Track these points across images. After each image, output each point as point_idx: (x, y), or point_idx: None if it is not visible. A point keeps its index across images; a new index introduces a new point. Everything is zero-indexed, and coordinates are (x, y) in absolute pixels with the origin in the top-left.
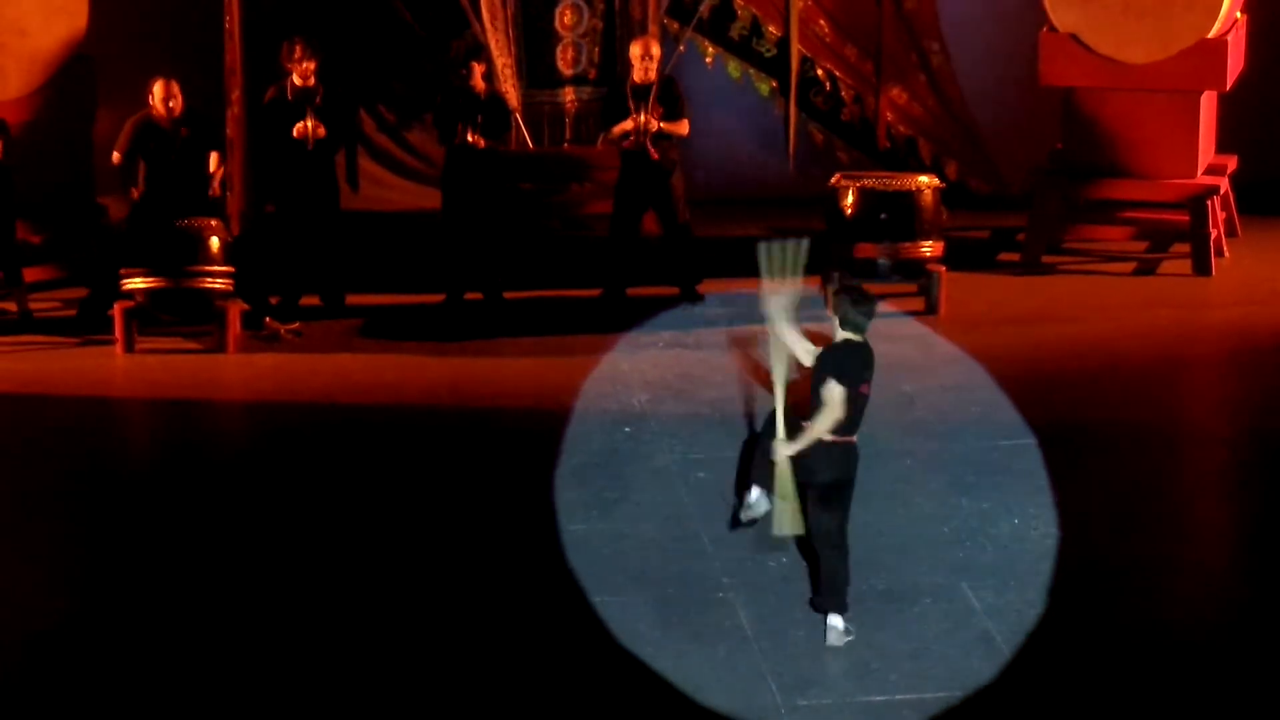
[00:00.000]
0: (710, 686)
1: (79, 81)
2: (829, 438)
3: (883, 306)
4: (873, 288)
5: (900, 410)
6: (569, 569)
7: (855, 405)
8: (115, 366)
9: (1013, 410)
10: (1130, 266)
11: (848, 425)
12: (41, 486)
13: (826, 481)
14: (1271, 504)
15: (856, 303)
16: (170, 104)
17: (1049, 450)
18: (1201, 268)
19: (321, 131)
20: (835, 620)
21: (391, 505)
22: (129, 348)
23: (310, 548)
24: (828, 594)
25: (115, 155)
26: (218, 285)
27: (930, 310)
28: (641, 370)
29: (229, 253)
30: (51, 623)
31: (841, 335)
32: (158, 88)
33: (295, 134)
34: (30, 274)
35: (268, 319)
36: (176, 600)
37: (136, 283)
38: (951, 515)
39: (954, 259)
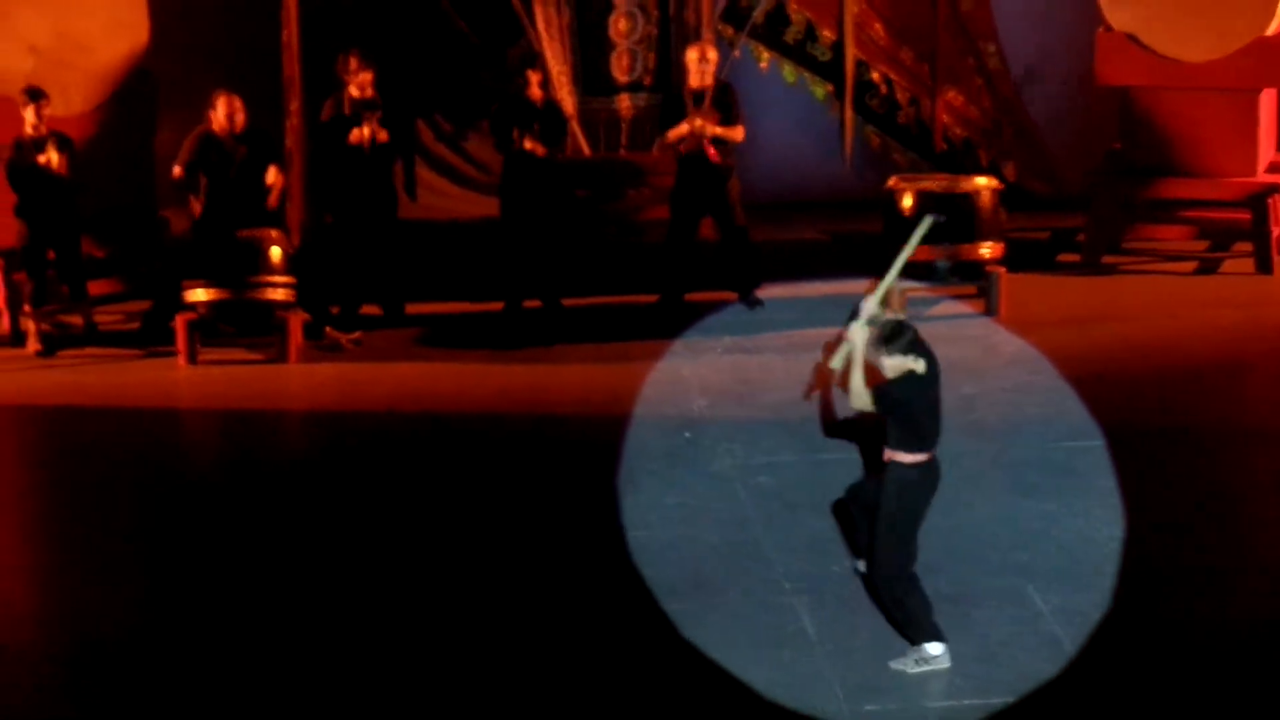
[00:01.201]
0: (775, 692)
1: (141, 97)
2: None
3: (944, 308)
4: (933, 290)
5: (962, 412)
6: (631, 575)
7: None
8: (178, 378)
9: (1075, 411)
10: (1191, 266)
11: (932, 440)
12: (106, 498)
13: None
14: None
15: (890, 338)
16: (234, 119)
17: (1112, 451)
18: (1263, 266)
19: (382, 136)
20: (931, 648)
21: (453, 513)
22: (191, 359)
23: (373, 557)
24: (907, 628)
25: (176, 169)
26: (279, 296)
27: (990, 311)
28: (701, 375)
29: (290, 263)
30: (118, 633)
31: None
32: (220, 103)
33: (352, 140)
34: (94, 288)
35: (328, 329)
36: (240, 610)
37: (198, 294)
38: (1015, 518)
39: (1013, 260)
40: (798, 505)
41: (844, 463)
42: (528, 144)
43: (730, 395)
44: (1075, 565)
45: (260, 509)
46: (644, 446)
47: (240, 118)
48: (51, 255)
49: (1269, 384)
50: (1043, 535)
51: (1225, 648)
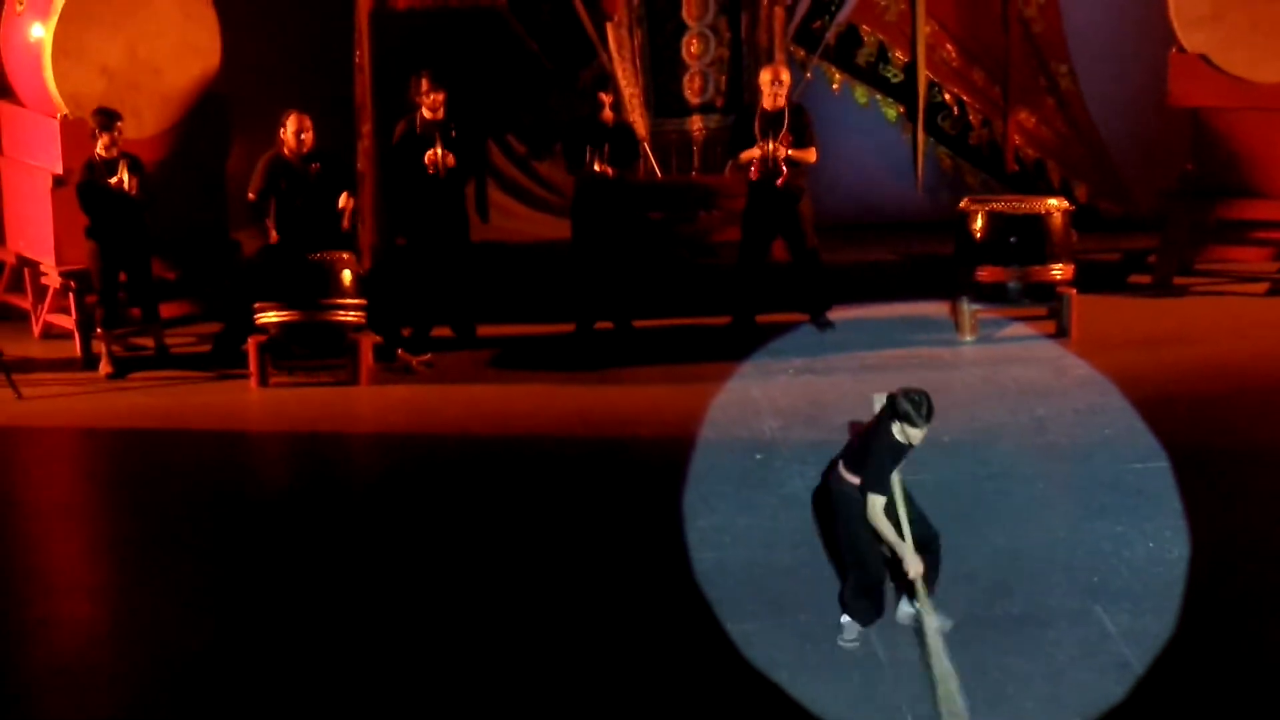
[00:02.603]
0: (845, 715)
1: (213, 119)
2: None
3: (1015, 329)
4: (1004, 311)
5: (1033, 433)
6: (702, 596)
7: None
8: (250, 400)
9: (1146, 432)
10: (1263, 287)
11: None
12: (179, 519)
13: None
14: None
15: (915, 406)
16: (302, 137)
17: (1182, 472)
18: None
19: (451, 160)
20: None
21: (525, 535)
22: (263, 381)
23: (444, 579)
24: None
25: (250, 195)
26: (350, 318)
27: (1061, 333)
28: (772, 397)
29: (361, 285)
30: (190, 654)
31: (894, 431)
32: (290, 121)
33: (425, 161)
34: (165, 310)
35: (400, 351)
36: (311, 633)
37: (270, 317)
38: (1085, 538)
39: (1084, 281)
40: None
41: (913, 485)
42: (598, 166)
43: (801, 416)
44: (1144, 587)
45: (331, 531)
46: (715, 468)
47: (309, 136)
48: (123, 277)
49: None
50: (1112, 556)
51: None
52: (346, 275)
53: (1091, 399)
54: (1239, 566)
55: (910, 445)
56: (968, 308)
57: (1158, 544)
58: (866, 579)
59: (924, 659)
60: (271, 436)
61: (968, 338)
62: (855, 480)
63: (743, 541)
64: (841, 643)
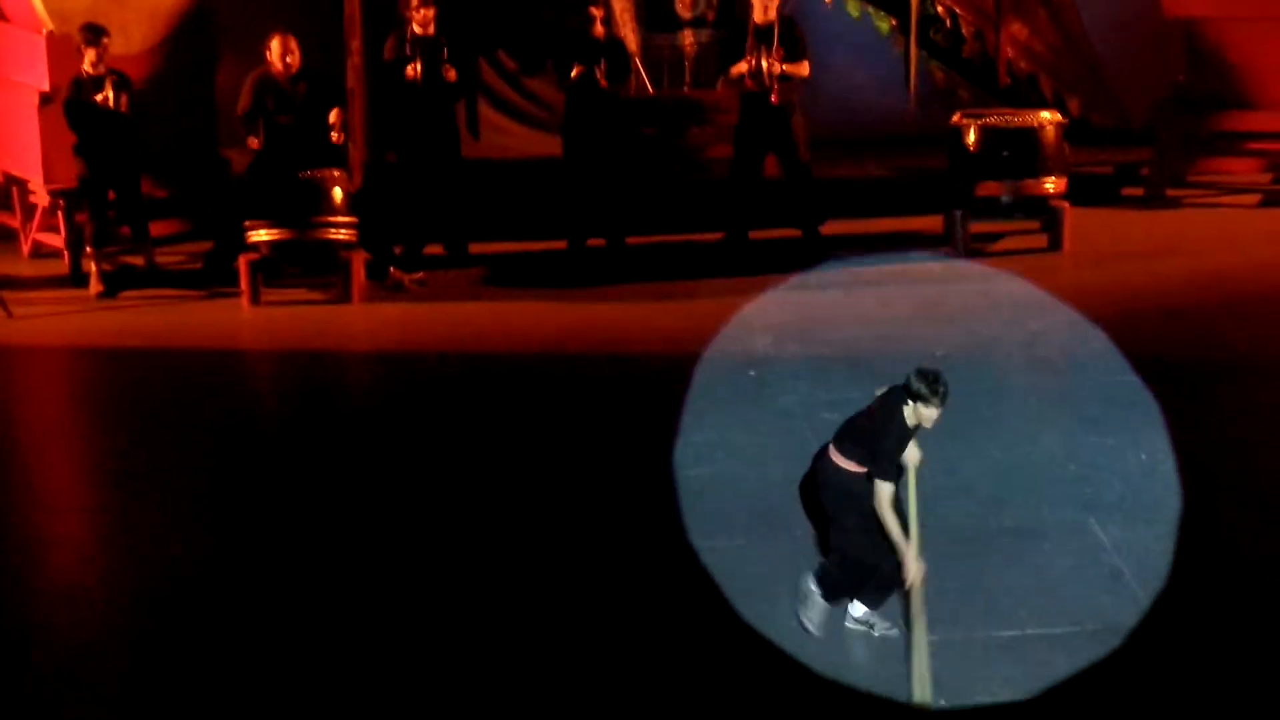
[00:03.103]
0: (838, 622)
1: (200, 35)
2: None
3: (1007, 243)
4: (997, 225)
5: (1025, 347)
6: (694, 511)
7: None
8: (241, 319)
9: (1139, 345)
10: (1255, 199)
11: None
12: (171, 439)
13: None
14: None
15: (931, 384)
16: (287, 60)
17: (1175, 384)
18: None
19: (452, 75)
20: (816, 597)
21: (519, 452)
22: (254, 300)
23: (439, 497)
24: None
25: (238, 113)
26: (341, 236)
27: (1054, 246)
28: (765, 312)
29: (352, 203)
30: (183, 575)
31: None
32: (275, 44)
33: (407, 76)
34: (155, 228)
35: (392, 269)
36: (306, 552)
37: (261, 235)
38: (1078, 451)
39: (1077, 194)
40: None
41: None
42: (591, 73)
43: (794, 332)
44: (1138, 498)
45: (325, 449)
46: (709, 384)
47: (294, 59)
48: (112, 195)
49: None
50: (1106, 468)
51: None
52: (337, 193)
53: (1084, 312)
54: (1232, 476)
55: (917, 427)
56: (961, 222)
57: (1151, 456)
58: (860, 569)
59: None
60: (263, 355)
61: (961, 252)
62: (850, 467)
63: (736, 457)
64: (802, 617)
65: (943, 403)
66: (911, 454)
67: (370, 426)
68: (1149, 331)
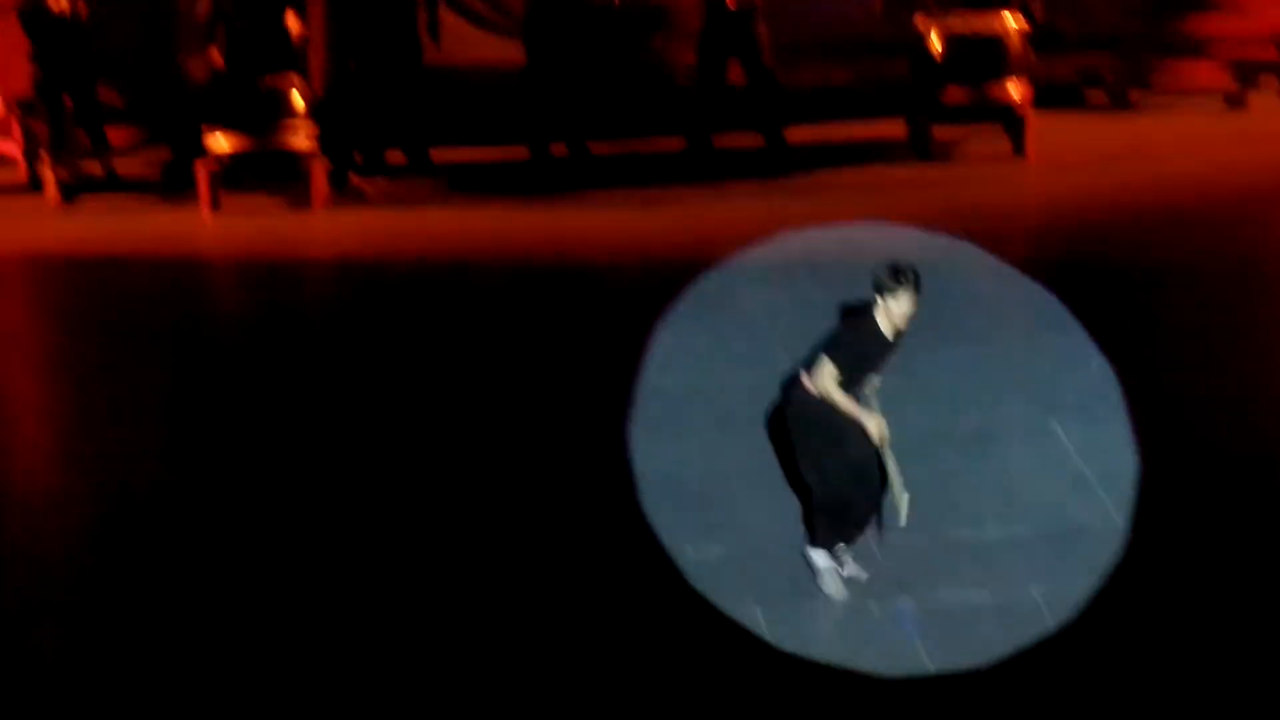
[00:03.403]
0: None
1: None
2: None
3: (970, 148)
4: (961, 130)
5: (990, 252)
6: (658, 415)
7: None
8: (201, 226)
9: (1101, 249)
10: (1218, 102)
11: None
12: (130, 347)
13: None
14: None
15: (891, 270)
16: None
17: (1139, 288)
18: None
19: None
20: (813, 553)
21: (484, 360)
22: (214, 207)
23: (403, 405)
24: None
25: (197, 17)
26: (302, 143)
27: (1017, 151)
28: (728, 219)
29: (312, 110)
30: (143, 482)
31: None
32: None
33: None
34: (113, 135)
35: (353, 176)
36: (267, 458)
37: (220, 142)
38: (1041, 354)
39: (1040, 100)
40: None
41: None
42: None
43: (758, 238)
44: (1100, 401)
45: (285, 358)
46: (672, 290)
47: None
48: (68, 102)
49: None
50: (1069, 371)
51: (1249, 478)
52: (297, 100)
53: (1047, 217)
54: (1193, 379)
55: (896, 335)
56: (924, 127)
57: (1114, 357)
58: (833, 501)
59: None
60: (224, 263)
61: (924, 157)
62: (809, 385)
63: (699, 359)
64: (827, 590)
65: (914, 288)
66: (875, 426)
67: (332, 334)
68: (1111, 236)
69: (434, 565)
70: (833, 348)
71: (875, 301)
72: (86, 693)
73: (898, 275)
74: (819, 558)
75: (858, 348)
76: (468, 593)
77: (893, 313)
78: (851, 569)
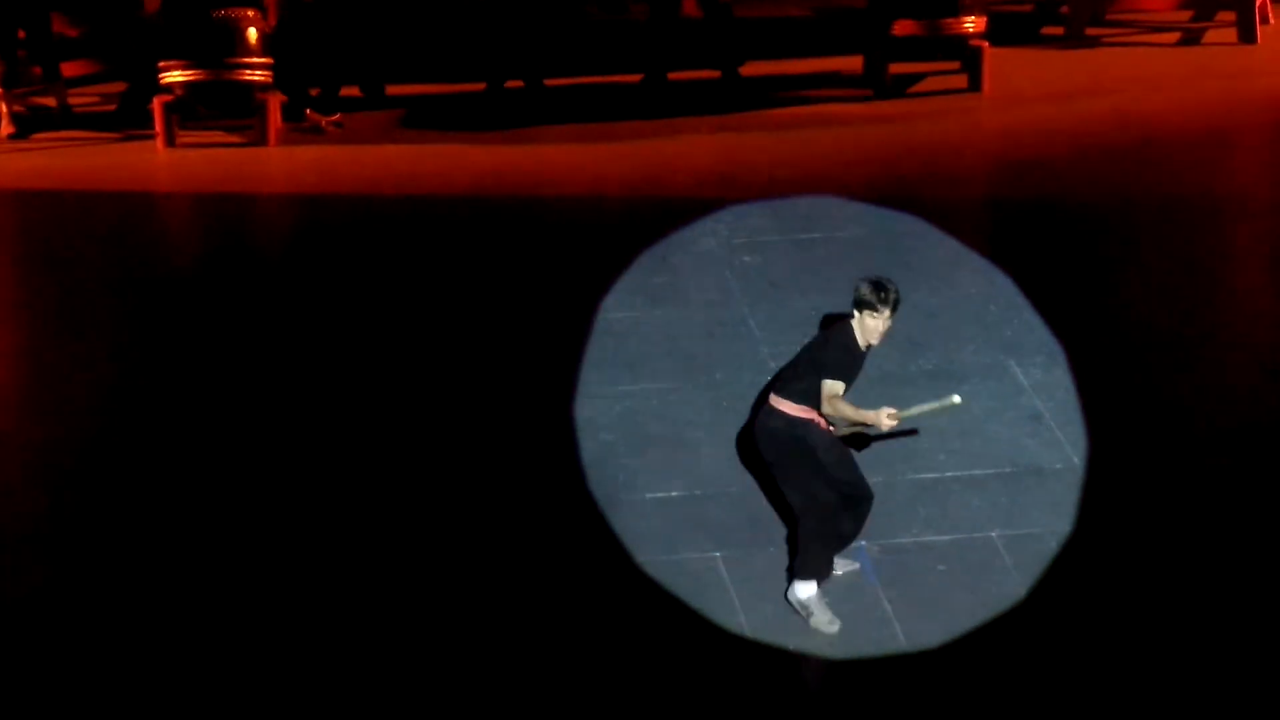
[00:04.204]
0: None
1: None
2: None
3: (926, 84)
4: (917, 66)
5: (947, 188)
6: (615, 356)
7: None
8: (156, 161)
9: (1057, 186)
10: (1174, 37)
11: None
12: (87, 284)
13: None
14: None
15: (875, 287)
16: None
17: (1096, 225)
18: (1246, 36)
19: None
20: (798, 588)
21: (439, 295)
22: (170, 142)
23: (359, 340)
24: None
25: None
26: (257, 77)
27: (974, 87)
28: (685, 155)
29: (267, 44)
30: (97, 419)
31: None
32: None
33: None
34: (67, 69)
35: (308, 110)
36: (222, 392)
37: (175, 76)
38: (997, 293)
39: (997, 34)
40: (782, 284)
41: (828, 241)
42: None
43: (715, 175)
44: (1056, 340)
45: (241, 292)
46: (628, 227)
47: None
48: (21, 34)
49: (1251, 156)
50: (1025, 310)
51: (1206, 415)
52: (252, 33)
53: (1004, 153)
54: (1152, 317)
55: (868, 347)
56: (881, 63)
57: (1071, 294)
58: (825, 528)
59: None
60: (180, 198)
61: (880, 93)
62: (792, 410)
63: (658, 301)
64: (817, 627)
65: (893, 311)
66: (884, 419)
67: (287, 269)
68: (1070, 172)
69: (382, 497)
70: (829, 368)
71: (853, 315)
72: (45, 635)
73: (882, 296)
74: (804, 591)
75: (846, 361)
76: (415, 533)
77: (868, 328)
78: (841, 565)
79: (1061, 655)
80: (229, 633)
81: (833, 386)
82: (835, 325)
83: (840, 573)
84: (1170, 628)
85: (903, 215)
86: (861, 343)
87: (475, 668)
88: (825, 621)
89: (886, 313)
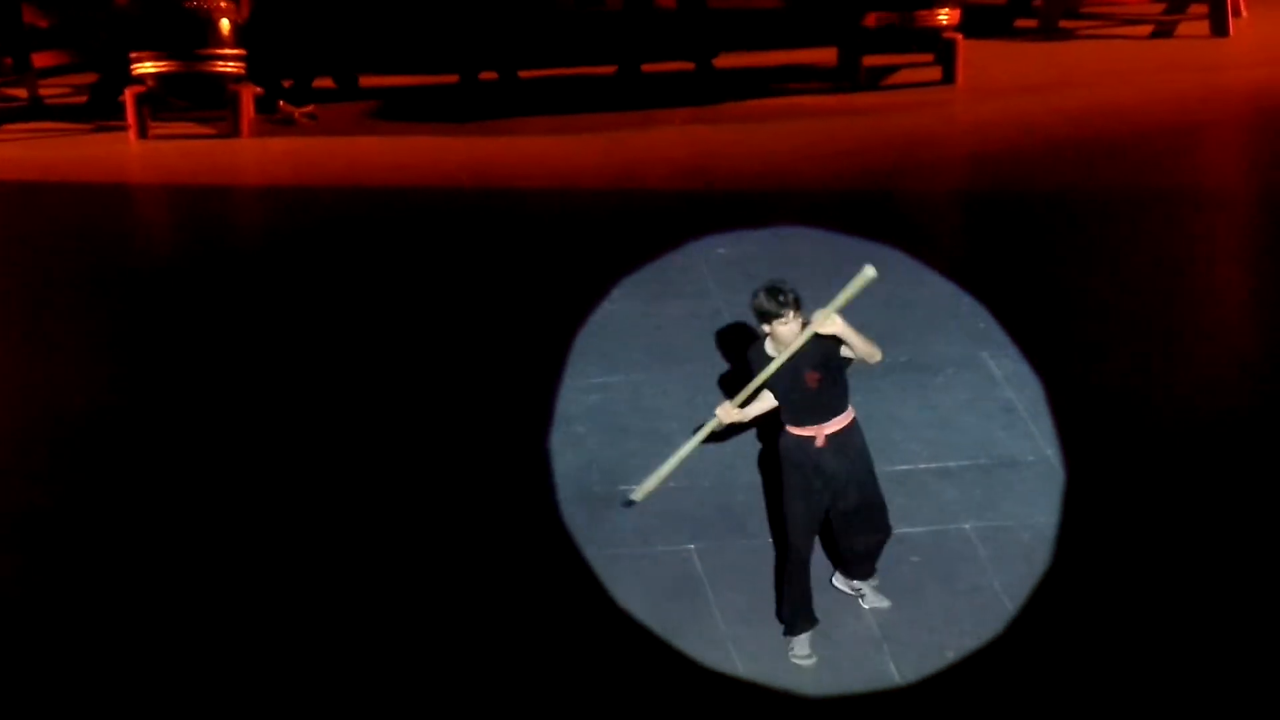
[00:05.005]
0: (736, 460)
1: None
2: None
3: (900, 76)
4: (890, 58)
5: (920, 181)
6: (592, 348)
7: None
8: (129, 152)
9: (1031, 179)
10: (1148, 29)
11: (796, 414)
12: (58, 276)
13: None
14: None
15: (771, 294)
16: None
17: (1069, 216)
18: (1219, 29)
19: None
20: (793, 642)
21: (413, 287)
22: (142, 133)
23: (334, 333)
24: (781, 607)
25: None
26: (229, 68)
27: (947, 79)
28: (659, 147)
29: (240, 35)
30: (75, 410)
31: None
32: None
33: None
34: (39, 59)
35: (281, 102)
36: (198, 390)
37: (147, 67)
38: (972, 285)
39: (971, 26)
40: (757, 276)
41: (804, 237)
42: None
43: (689, 168)
44: (1031, 331)
45: (216, 285)
46: (602, 219)
47: None
48: None
49: (1224, 148)
50: (999, 302)
51: (1178, 402)
52: (225, 24)
53: (977, 145)
54: (1124, 307)
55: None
56: (855, 55)
57: (1044, 288)
58: (794, 560)
59: None
60: (152, 189)
61: (854, 85)
62: (794, 430)
63: (632, 294)
64: (796, 660)
65: (796, 309)
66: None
67: (260, 261)
68: (1043, 164)
69: (355, 489)
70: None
71: (761, 329)
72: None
73: (778, 298)
74: (800, 647)
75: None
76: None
77: (779, 334)
78: (873, 600)
79: (1036, 647)
80: (202, 626)
81: (723, 405)
82: (751, 349)
83: (869, 606)
84: (1144, 617)
85: (877, 206)
86: (774, 352)
87: (443, 660)
88: (803, 656)
89: (790, 313)
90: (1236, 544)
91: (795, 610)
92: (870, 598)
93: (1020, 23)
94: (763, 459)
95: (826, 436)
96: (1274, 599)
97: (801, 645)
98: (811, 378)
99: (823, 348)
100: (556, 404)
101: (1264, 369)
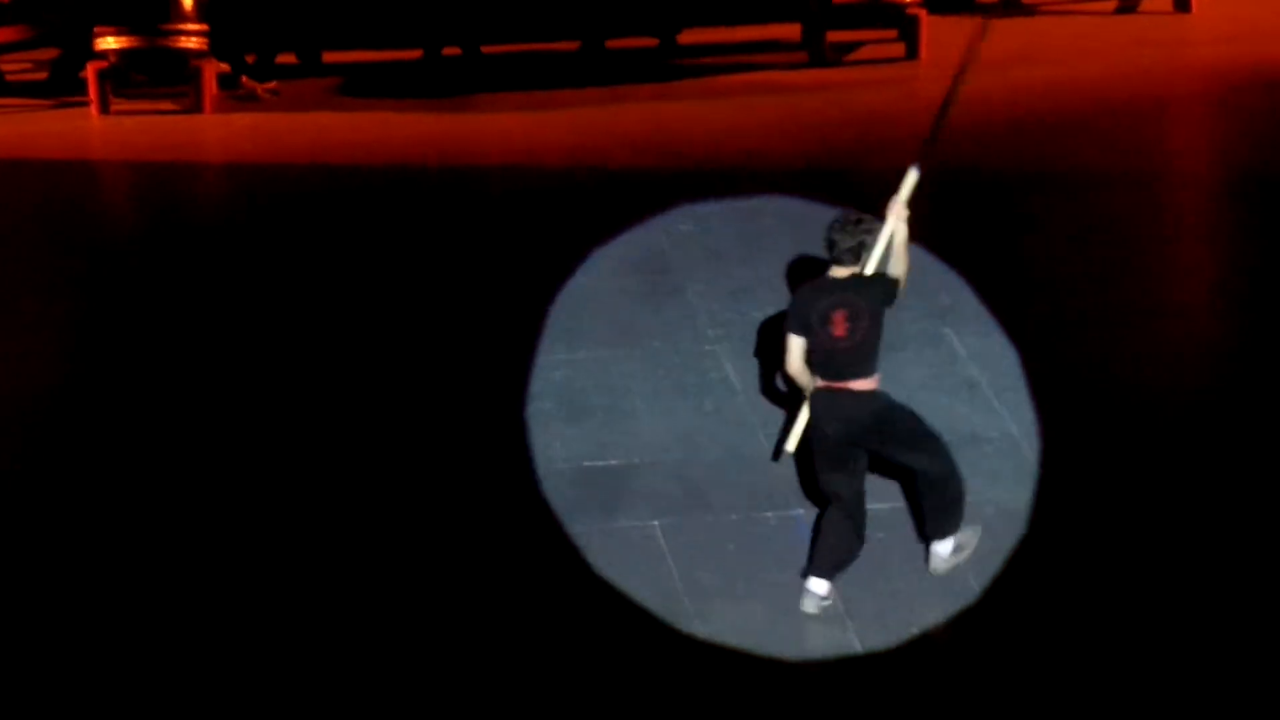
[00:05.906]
0: (700, 437)
1: None
2: (823, 383)
3: (864, 52)
4: (854, 34)
5: (881, 156)
6: (553, 323)
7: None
8: (91, 128)
9: (995, 155)
10: (1112, 5)
11: (834, 370)
12: (22, 252)
13: (829, 434)
14: (1255, 244)
15: (844, 228)
16: None
17: (1033, 193)
18: (1181, 4)
19: None
20: (815, 584)
21: (376, 263)
22: (104, 109)
23: (298, 309)
24: (817, 558)
25: None
26: (192, 44)
27: (911, 55)
28: (622, 123)
29: (203, 10)
30: (37, 386)
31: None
32: None
33: None
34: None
35: (244, 78)
36: (162, 368)
37: (109, 42)
38: (936, 261)
39: (934, 2)
40: (720, 253)
41: (766, 212)
42: None
43: (653, 145)
44: (993, 308)
45: (179, 261)
46: (566, 195)
47: None
48: None
49: (1187, 125)
50: (963, 279)
51: (1140, 379)
52: (187, 0)
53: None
54: (1087, 286)
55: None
56: (819, 30)
57: (1008, 265)
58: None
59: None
60: (115, 165)
61: (818, 61)
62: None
63: (594, 269)
64: (810, 609)
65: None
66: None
67: (224, 237)
68: (1007, 140)
69: (318, 469)
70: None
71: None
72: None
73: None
74: (818, 587)
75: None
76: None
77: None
78: (938, 561)
79: (1000, 625)
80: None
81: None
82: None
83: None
84: (1109, 592)
85: (840, 183)
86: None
87: (408, 641)
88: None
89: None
90: (1202, 520)
91: (824, 555)
92: (936, 560)
93: None
94: (726, 434)
95: (817, 390)
96: (1239, 572)
97: (819, 585)
98: (839, 318)
99: (868, 292)
100: (521, 380)
101: (1228, 345)
